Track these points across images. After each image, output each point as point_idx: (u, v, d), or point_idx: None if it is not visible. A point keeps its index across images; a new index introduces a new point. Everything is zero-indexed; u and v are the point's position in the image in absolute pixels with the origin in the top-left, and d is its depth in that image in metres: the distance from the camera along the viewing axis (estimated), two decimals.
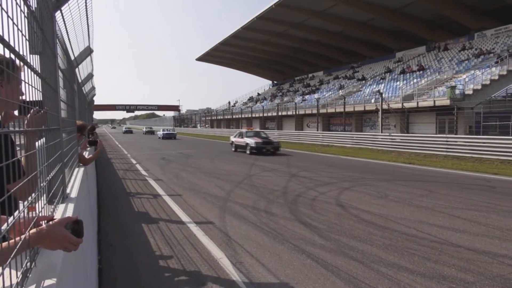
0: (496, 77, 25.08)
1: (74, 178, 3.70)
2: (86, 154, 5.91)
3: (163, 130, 44.69)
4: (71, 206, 2.33)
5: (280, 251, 4.98)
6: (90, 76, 10.37)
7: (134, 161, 17.46)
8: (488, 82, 24.97)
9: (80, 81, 8.01)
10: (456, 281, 3.97)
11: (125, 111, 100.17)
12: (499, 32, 32.68)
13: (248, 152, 20.59)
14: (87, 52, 6.27)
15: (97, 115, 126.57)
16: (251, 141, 20.68)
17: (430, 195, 8.74)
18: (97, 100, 60.96)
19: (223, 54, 64.86)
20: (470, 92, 24.52)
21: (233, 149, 23.20)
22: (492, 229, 5.90)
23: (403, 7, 35.68)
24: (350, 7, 36.43)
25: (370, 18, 39.11)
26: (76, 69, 6.24)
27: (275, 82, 71.11)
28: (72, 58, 5.22)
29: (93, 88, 15.78)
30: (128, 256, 4.98)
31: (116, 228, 6.36)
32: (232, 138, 24.25)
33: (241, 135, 23.22)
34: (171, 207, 7.75)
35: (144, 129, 64.44)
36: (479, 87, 24.77)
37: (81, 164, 4.98)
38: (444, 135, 20.34)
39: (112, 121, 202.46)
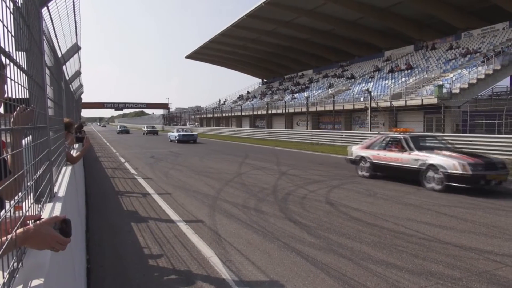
0: (483, 76, 25.44)
1: (62, 176, 3.66)
2: (73, 153, 5.84)
3: (178, 131, 32.85)
4: (58, 205, 2.30)
5: (270, 249, 4.99)
6: (77, 74, 10.25)
7: (122, 160, 17.32)
8: (474, 81, 25.32)
9: (67, 78, 7.91)
10: (443, 277, 4.03)
11: (113, 109, 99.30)
12: (485, 32, 33.15)
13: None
14: (75, 49, 6.19)
15: (85, 113, 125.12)
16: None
17: (418, 193, 8.84)
18: (85, 98, 59.99)
19: (212, 52, 64.61)
20: (457, 91, 24.83)
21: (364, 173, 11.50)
22: (478, 226, 6.00)
23: (392, 6, 35.96)
24: (339, 6, 36.58)
25: (359, 17, 39.33)
26: (64, 67, 6.16)
27: (265, 80, 71.08)
28: (60, 55, 5.14)
29: (81, 85, 15.60)
30: (117, 256, 4.94)
31: (104, 227, 6.30)
32: (363, 151, 11.80)
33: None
34: (161, 205, 7.71)
35: (145, 129, 50.87)
36: (466, 86, 25.10)
37: (68, 163, 4.92)
38: (432, 134, 20.56)
39: (101, 119, 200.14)
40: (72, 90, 10.47)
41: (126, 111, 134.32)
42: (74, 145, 7.39)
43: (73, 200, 4.03)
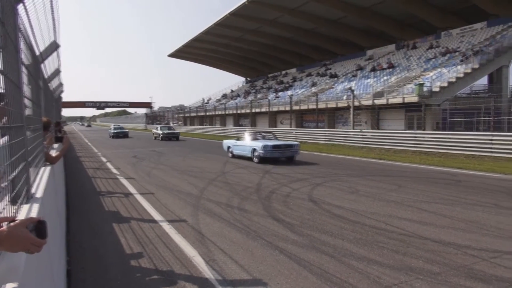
0: (461, 75, 25.98)
1: (40, 177, 3.58)
2: (53, 153, 5.73)
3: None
4: (36, 207, 2.26)
5: (253, 248, 5.00)
6: (57, 72, 10.02)
7: (104, 159, 17.08)
8: (454, 80, 25.84)
9: (46, 77, 7.74)
10: (423, 273, 4.11)
11: (95, 108, 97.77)
12: (464, 32, 33.88)
13: None
14: (53, 47, 6.06)
15: (66, 112, 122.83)
16: None
17: (399, 190, 8.99)
18: (66, 97, 58.85)
19: (196, 50, 64.25)
20: (437, 89, 25.31)
21: None
22: (457, 222, 6.13)
23: (373, 6, 36.40)
24: (322, 5, 36.84)
25: (341, 16, 39.69)
26: (42, 65, 6.03)
27: (248, 79, 71.05)
28: (37, 53, 5.03)
29: (60, 84, 15.28)
30: (98, 257, 4.88)
31: (85, 228, 6.21)
32: None
33: None
34: (143, 205, 7.63)
35: (159, 131, 33.65)
36: (446, 84, 25.60)
37: (48, 163, 4.82)
38: (413, 131, 20.96)
39: (82, 118, 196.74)
40: (51, 89, 10.26)
41: (108, 110, 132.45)
42: (54, 145, 7.25)
43: (52, 201, 3.96)
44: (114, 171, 13.20)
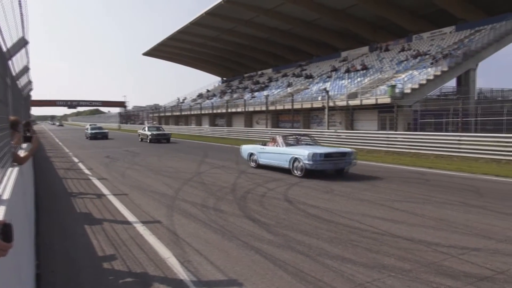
0: (432, 77, 26.75)
1: (7, 178, 3.45)
2: (21, 153, 5.53)
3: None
4: (2, 209, 2.17)
5: (228, 248, 4.99)
6: (25, 69, 9.68)
7: (76, 160, 16.64)
8: (424, 82, 26.57)
9: (14, 74, 7.47)
10: (395, 270, 4.21)
11: (66, 107, 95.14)
12: (434, 35, 34.93)
13: None
14: (22, 43, 5.85)
15: (36, 111, 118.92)
16: None
17: (372, 189, 9.18)
18: (36, 95, 56.79)
19: (171, 49, 63.49)
20: (409, 91, 25.96)
21: None
22: (428, 220, 6.31)
23: (347, 8, 37.00)
24: (297, 6, 37.14)
25: (316, 18, 40.15)
26: (9, 62, 5.81)
27: (224, 78, 70.82)
28: (5, 49, 4.85)
29: (29, 82, 14.78)
30: (69, 260, 4.74)
31: (56, 230, 6.03)
32: None
33: None
34: (116, 206, 7.48)
35: (147, 132, 29.62)
36: (417, 86, 26.29)
37: (15, 164, 4.65)
38: (385, 132, 21.44)
39: (52, 117, 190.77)
40: (19, 86, 9.90)
41: (80, 109, 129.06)
42: (22, 144, 7.00)
43: (20, 203, 3.82)
44: (86, 171, 12.88)
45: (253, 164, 13.57)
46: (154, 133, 28.82)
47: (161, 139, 28.66)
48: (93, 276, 4.19)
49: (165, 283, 3.97)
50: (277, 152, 12.24)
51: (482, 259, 4.52)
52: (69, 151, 21.30)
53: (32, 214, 6.29)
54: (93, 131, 34.52)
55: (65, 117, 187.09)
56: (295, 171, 11.29)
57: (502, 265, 4.34)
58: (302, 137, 13.84)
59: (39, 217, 6.76)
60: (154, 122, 68.83)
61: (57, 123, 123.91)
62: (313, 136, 15.00)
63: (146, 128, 31.00)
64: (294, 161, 11.38)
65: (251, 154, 13.81)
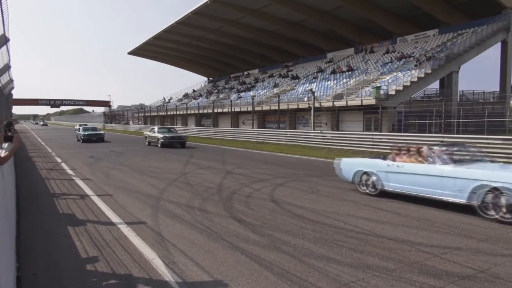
0: (415, 79, 27.17)
1: None
2: (1, 153, 5.41)
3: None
4: None
5: (214, 249, 4.97)
6: (6, 68, 9.50)
7: (59, 160, 16.36)
8: (408, 84, 26.97)
9: None
10: (379, 269, 4.26)
11: (49, 106, 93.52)
12: (418, 38, 35.49)
13: None
14: (2, 41, 5.74)
15: (17, 110, 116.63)
16: None
17: (357, 190, 9.24)
18: (17, 94, 55.62)
19: (157, 48, 62.99)
20: (393, 92, 26.31)
21: None
22: (411, 219, 6.40)
23: (333, 10, 37.30)
24: (284, 7, 37.27)
25: (303, 19, 40.37)
26: None
27: (210, 79, 70.62)
28: None
29: (11, 80, 14.51)
30: (51, 262, 4.66)
31: (38, 231, 5.92)
32: None
33: None
34: (100, 207, 7.38)
35: (158, 134, 24.15)
36: (401, 88, 26.66)
37: None
38: (370, 133, 21.64)
39: (35, 116, 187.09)
40: (0, 85, 9.70)
41: (63, 108, 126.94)
42: (3, 144, 6.85)
43: (0, 203, 3.74)
44: (70, 172, 12.68)
45: (367, 189, 8.65)
46: (167, 135, 23.01)
47: (175, 143, 22.93)
48: (76, 279, 4.12)
49: (150, 284, 3.93)
50: (436, 175, 7.20)
51: (463, 258, 4.61)
52: (52, 151, 20.93)
53: (13, 215, 6.16)
54: (86, 133, 29.21)
55: (48, 116, 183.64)
56: (492, 212, 6.33)
57: (483, 264, 4.43)
58: (466, 149, 8.45)
59: (20, 218, 6.63)
60: (140, 122, 68.17)
61: (41, 123, 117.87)
62: (477, 147, 9.47)
63: (156, 130, 25.49)
64: (487, 194, 6.40)
65: (363, 174, 8.82)
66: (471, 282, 3.93)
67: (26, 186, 9.94)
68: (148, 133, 26.28)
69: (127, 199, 8.20)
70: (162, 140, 22.93)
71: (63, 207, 7.57)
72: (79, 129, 32.05)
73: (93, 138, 29.09)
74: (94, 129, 32.00)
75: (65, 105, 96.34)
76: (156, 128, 26.01)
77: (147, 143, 25.38)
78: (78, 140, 29.71)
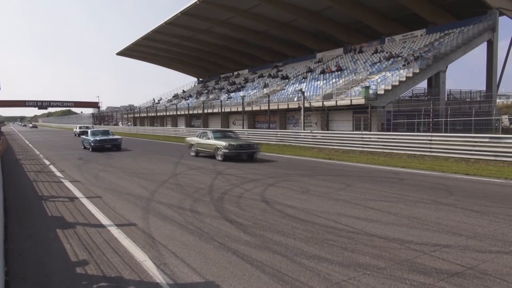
0: (404, 79, 27.46)
1: None
2: None
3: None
4: None
5: (205, 250, 4.95)
6: None
7: (47, 162, 16.15)
8: (397, 83, 27.25)
9: None
10: (370, 268, 4.29)
11: (36, 108, 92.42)
12: (406, 38, 35.87)
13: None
14: None
15: (4, 112, 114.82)
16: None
17: (348, 189, 9.32)
18: (4, 95, 54.82)
19: (146, 49, 62.63)
20: (382, 92, 26.55)
21: None
22: (401, 218, 6.46)
23: (322, 10, 37.52)
24: (273, 7, 37.37)
25: (292, 19, 40.50)
26: None
27: (200, 79, 70.45)
28: None
29: None
30: (40, 265, 4.59)
31: (26, 235, 5.83)
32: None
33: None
34: (90, 210, 7.30)
35: (218, 142, 16.41)
36: (390, 87, 26.93)
37: None
38: (360, 132, 21.82)
39: (22, 118, 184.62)
40: None
41: (51, 109, 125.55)
42: None
43: None
44: (58, 174, 12.52)
45: None
46: (233, 143, 16.22)
47: (242, 153, 16.45)
48: (65, 282, 4.07)
49: (141, 286, 3.90)
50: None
51: (452, 255, 4.67)
52: (40, 153, 20.65)
53: (1, 218, 6.06)
54: (97, 138, 21.69)
55: (35, 118, 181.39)
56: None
57: (472, 260, 4.50)
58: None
59: (8, 222, 6.52)
60: (129, 123, 67.64)
61: (30, 125, 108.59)
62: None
63: (211, 135, 17.62)
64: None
65: None
66: (460, 279, 3.98)
67: (14, 189, 9.79)
68: (197, 139, 18.53)
69: (117, 201, 8.13)
70: (225, 151, 15.99)
71: (51, 209, 7.47)
72: (85, 132, 25.11)
73: (107, 146, 21.72)
74: (106, 133, 23.64)
75: (53, 106, 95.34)
76: (210, 133, 17.80)
77: (193, 154, 18.35)
78: (86, 148, 22.74)
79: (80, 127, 34.68)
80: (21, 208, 7.65)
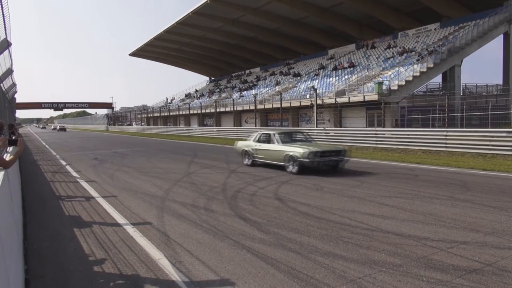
0: (418, 74, 27.08)
1: None
2: (6, 157, 5.43)
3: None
4: None
5: (220, 248, 4.97)
6: (9, 72, 9.54)
7: (63, 163, 16.42)
8: (411, 78, 26.88)
9: None
10: (385, 265, 4.25)
11: (52, 109, 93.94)
12: (419, 32, 35.34)
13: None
14: (4, 45, 5.76)
15: (21, 114, 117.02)
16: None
17: (362, 186, 9.24)
18: (21, 98, 55.80)
19: (158, 49, 63.09)
20: (396, 87, 26.24)
21: None
22: (416, 215, 6.39)
23: (334, 6, 37.23)
24: (284, 5, 37.24)
25: (303, 16, 40.30)
26: None
27: (212, 78, 70.69)
28: None
29: (14, 84, 14.57)
30: (58, 264, 4.68)
31: (44, 234, 5.94)
32: None
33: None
34: (106, 209, 7.40)
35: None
36: (403, 83, 26.59)
37: (1, 167, 4.57)
38: (373, 128, 21.61)
39: (38, 120, 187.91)
40: (3, 89, 9.75)
41: (66, 111, 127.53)
42: (8, 148, 6.89)
43: (6, 207, 3.76)
44: (74, 174, 12.72)
45: None
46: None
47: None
48: (83, 280, 4.14)
49: (157, 284, 3.94)
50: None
51: (470, 252, 4.59)
52: (56, 154, 21.01)
53: (20, 218, 6.20)
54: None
55: (51, 119, 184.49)
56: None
57: (490, 257, 4.42)
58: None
59: (27, 222, 6.66)
60: (143, 123, 68.29)
61: (58, 127, 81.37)
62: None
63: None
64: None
65: None
66: (478, 276, 3.91)
67: (32, 190, 9.99)
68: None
69: (132, 200, 8.22)
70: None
71: (68, 209, 7.60)
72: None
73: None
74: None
75: (68, 108, 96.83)
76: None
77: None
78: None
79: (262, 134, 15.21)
80: (39, 208, 7.80)
